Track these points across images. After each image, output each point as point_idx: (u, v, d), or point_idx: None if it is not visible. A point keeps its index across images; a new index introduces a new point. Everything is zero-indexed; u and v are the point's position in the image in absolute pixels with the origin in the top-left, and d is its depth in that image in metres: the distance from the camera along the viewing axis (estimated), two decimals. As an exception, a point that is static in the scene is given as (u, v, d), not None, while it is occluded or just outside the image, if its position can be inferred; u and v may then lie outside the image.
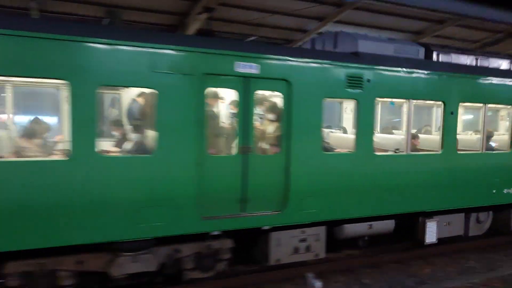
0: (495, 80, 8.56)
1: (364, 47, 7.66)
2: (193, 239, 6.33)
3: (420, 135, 8.88)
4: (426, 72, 7.74)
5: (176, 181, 5.89)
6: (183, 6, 11.30)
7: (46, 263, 5.53)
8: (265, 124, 7.13)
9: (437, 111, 9.65)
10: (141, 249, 5.94)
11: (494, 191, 8.84)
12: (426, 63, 8.13)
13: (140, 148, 6.10)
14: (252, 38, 13.01)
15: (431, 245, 9.00)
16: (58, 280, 5.63)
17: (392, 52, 7.90)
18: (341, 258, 8.32)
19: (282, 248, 6.97)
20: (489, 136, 9.09)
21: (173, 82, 5.77)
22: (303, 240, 7.13)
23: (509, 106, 9.09)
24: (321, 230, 7.29)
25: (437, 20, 12.75)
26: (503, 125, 9.86)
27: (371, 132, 7.38)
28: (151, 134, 6.02)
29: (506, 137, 9.26)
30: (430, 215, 8.40)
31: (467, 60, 8.83)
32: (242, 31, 12.86)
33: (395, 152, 7.86)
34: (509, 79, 8.69)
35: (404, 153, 7.78)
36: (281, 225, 6.83)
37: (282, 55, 6.55)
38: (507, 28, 13.11)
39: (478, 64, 8.99)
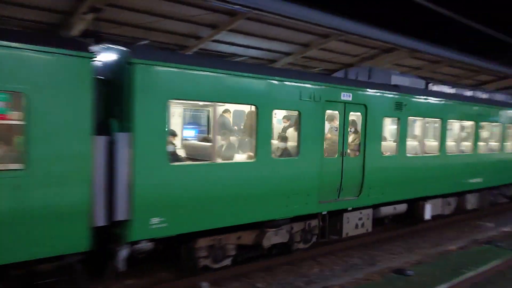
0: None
1: (395, 80, 10.69)
2: (298, 219, 8.70)
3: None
4: (434, 98, 11.32)
5: (309, 176, 8.44)
6: (66, 4, 10.47)
7: (221, 239, 7.60)
8: (352, 136, 9.63)
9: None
10: (279, 226, 8.29)
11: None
12: (433, 93, 11.57)
13: (287, 153, 8.49)
14: (144, 42, 12.58)
15: (320, 245, 9.53)
16: (227, 251, 7.79)
17: (408, 83, 11.04)
18: (235, 264, 8.36)
19: (350, 225, 9.61)
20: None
21: (310, 106, 8.34)
22: (360, 219, 9.83)
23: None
24: (370, 211, 10.08)
25: (322, 34, 13.65)
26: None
27: (405, 139, 10.54)
28: (293, 143, 8.47)
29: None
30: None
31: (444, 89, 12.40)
32: (133, 35, 12.37)
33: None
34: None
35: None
36: (357, 207, 9.65)
37: (363, 87, 9.46)
38: (382, 45, 14.53)
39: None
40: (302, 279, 8.16)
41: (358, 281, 8.04)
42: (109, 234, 6.35)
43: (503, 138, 14.05)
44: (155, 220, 6.45)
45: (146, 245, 6.60)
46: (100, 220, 6.04)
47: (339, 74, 11.73)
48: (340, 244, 9.98)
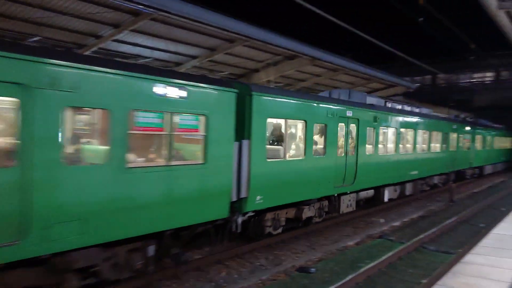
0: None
1: (369, 100, 14.42)
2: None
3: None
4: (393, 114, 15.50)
5: (330, 168, 11.76)
6: None
7: (278, 213, 10.37)
8: (350, 140, 12.80)
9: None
10: (309, 204, 11.29)
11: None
12: (391, 109, 15.76)
13: (318, 153, 11.51)
14: (35, 38, 11.57)
15: (227, 248, 9.56)
16: (280, 222, 10.59)
17: (375, 102, 14.70)
18: (139, 275, 8.03)
19: (344, 205, 12.86)
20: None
21: (332, 120, 11.66)
22: (349, 201, 13.11)
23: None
24: (354, 195, 13.44)
25: (228, 39, 13.80)
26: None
27: (378, 143, 14.24)
28: (321, 146, 11.63)
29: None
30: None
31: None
32: (23, 30, 11.32)
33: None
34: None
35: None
36: (350, 191, 12.96)
37: (358, 107, 12.99)
38: (285, 52, 15.11)
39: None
40: (211, 284, 8.11)
41: (264, 282, 8.23)
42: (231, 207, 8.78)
43: (429, 142, 18.70)
44: (258, 197, 9.34)
45: (245, 217, 9.44)
46: (234, 197, 8.76)
47: (324, 94, 14.48)
48: (247, 246, 10.12)
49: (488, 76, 45.83)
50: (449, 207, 17.21)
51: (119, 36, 12.40)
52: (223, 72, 16.94)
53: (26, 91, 5.34)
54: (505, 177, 30.79)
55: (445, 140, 20.41)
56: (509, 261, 5.95)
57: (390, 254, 9.74)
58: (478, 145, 25.66)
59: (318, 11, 11.22)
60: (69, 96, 5.77)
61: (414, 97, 34.82)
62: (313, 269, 8.87)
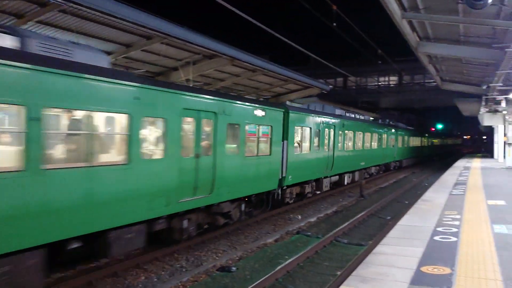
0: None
1: (337, 111, 19.46)
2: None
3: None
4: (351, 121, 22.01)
5: (323, 159, 17.38)
6: None
7: (292, 188, 15.36)
8: (331, 140, 18.60)
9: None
10: (308, 184, 16.55)
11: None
12: (351, 118, 22.67)
13: (317, 148, 16.88)
14: None
15: (144, 252, 9.24)
16: (293, 195, 15.77)
17: (341, 113, 20.97)
18: (53, 283, 7.46)
19: (325, 185, 17.78)
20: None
21: (323, 127, 17.50)
22: (327, 183, 18.17)
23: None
24: (329, 179, 18.60)
25: (146, 36, 13.31)
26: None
27: (344, 142, 20.26)
28: (317, 144, 17.13)
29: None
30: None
31: None
32: None
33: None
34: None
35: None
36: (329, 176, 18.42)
37: (335, 117, 19.00)
38: (205, 51, 14.95)
39: None
40: (128, 290, 7.78)
41: (185, 284, 8.09)
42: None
43: (371, 141, 25.10)
44: (290, 177, 14.25)
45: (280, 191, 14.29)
46: (280, 176, 13.81)
47: (304, 106, 17.43)
48: (166, 249, 9.87)
49: (393, 80, 49.71)
50: (360, 202, 18.34)
51: (24, 28, 11.36)
52: (139, 70, 16.31)
53: (216, 116, 10.16)
54: (406, 173, 33.58)
55: (380, 140, 27.33)
56: (413, 249, 6.48)
57: (307, 249, 10.12)
58: (399, 143, 33.51)
59: (237, 11, 11.27)
60: (228, 117, 10.72)
61: (327, 99, 36.58)
62: (234, 268, 8.91)
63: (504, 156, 25.10)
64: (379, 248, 6.73)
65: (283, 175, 13.88)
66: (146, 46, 13.80)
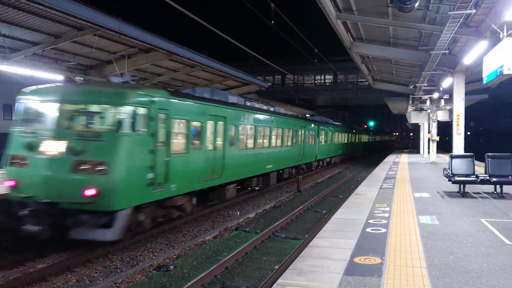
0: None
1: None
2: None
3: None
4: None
5: (314, 150, 27.75)
6: None
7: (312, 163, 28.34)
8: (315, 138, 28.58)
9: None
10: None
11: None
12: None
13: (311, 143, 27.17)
14: None
15: (76, 254, 8.79)
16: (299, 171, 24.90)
17: (319, 120, 31.35)
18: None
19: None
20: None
21: (315, 129, 27.69)
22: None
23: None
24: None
25: (76, 27, 12.65)
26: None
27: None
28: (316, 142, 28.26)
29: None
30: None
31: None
32: None
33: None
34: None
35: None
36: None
37: (316, 121, 29.35)
38: (140, 45, 14.51)
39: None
40: (57, 294, 7.36)
41: (119, 285, 7.81)
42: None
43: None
44: (318, 156, 28.72)
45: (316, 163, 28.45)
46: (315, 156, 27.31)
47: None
48: (100, 250, 9.47)
49: (328, 78, 51.42)
50: (297, 196, 18.78)
51: None
52: (70, 62, 15.49)
53: (226, 120, 13.54)
54: (341, 168, 34.92)
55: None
56: (347, 241, 6.73)
57: (246, 244, 10.17)
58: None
59: (175, 5, 11.03)
60: (238, 121, 14.52)
61: (266, 95, 37.07)
62: (171, 267, 8.74)
63: (429, 152, 26.91)
64: (315, 241, 6.92)
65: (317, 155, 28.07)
66: (77, 37, 13.13)
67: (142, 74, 18.64)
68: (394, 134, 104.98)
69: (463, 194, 11.34)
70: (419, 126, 37.69)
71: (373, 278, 5.06)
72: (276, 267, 8.82)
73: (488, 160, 11.12)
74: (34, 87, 9.61)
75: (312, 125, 26.88)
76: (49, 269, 8.21)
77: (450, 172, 11.44)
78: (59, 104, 9.00)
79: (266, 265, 9.18)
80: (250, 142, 15.89)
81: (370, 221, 8.25)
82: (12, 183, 8.83)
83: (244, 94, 25.86)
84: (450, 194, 11.54)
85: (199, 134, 12.07)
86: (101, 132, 8.91)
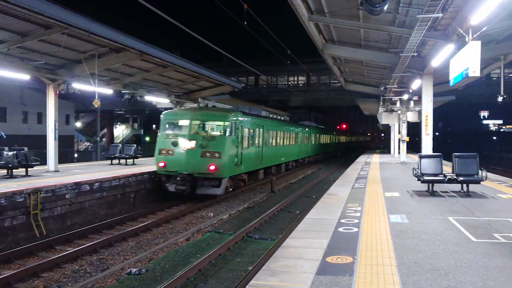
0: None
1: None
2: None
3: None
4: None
5: (306, 149, 35.05)
6: None
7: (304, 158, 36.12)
8: (305, 140, 35.66)
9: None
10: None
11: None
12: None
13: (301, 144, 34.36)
14: None
15: (43, 258, 8.52)
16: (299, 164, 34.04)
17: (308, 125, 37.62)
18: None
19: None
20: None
21: (306, 132, 35.35)
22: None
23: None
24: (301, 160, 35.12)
25: (44, 25, 12.27)
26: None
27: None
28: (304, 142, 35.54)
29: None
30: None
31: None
32: None
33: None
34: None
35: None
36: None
37: (307, 125, 37.12)
38: (111, 44, 14.21)
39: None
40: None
41: (90, 290, 7.63)
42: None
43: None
44: (310, 152, 37.70)
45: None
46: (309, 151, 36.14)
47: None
48: (67, 255, 9.23)
49: (301, 79, 51.84)
50: (271, 197, 18.83)
51: None
52: (37, 61, 15.01)
53: (263, 127, 21.30)
54: (314, 169, 35.27)
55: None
56: (319, 241, 6.78)
57: (219, 246, 10.12)
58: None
59: (147, 5, 10.85)
60: (268, 128, 22.27)
61: (239, 96, 37.04)
62: (143, 270, 8.60)
63: (399, 152, 27.49)
64: (288, 242, 6.94)
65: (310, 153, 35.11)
66: (45, 36, 12.74)
67: (113, 74, 18.28)
68: (369, 134, 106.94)
69: (432, 193, 11.63)
70: (390, 126, 38.48)
71: (345, 277, 5.11)
72: (250, 268, 8.82)
73: (455, 160, 11.44)
74: (171, 110, 19.54)
75: (306, 129, 34.78)
76: (17, 274, 7.94)
77: (419, 171, 11.71)
78: (190, 120, 16.75)
79: (240, 267, 9.16)
80: (273, 142, 23.80)
81: (342, 220, 8.35)
82: (162, 164, 16.23)
83: (217, 95, 25.75)
84: (419, 193, 11.81)
85: (252, 137, 19.75)
86: (215, 136, 16.74)
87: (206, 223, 13.27)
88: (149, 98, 22.31)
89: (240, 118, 17.63)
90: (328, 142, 49.53)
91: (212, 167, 15.62)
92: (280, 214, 15.09)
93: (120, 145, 21.42)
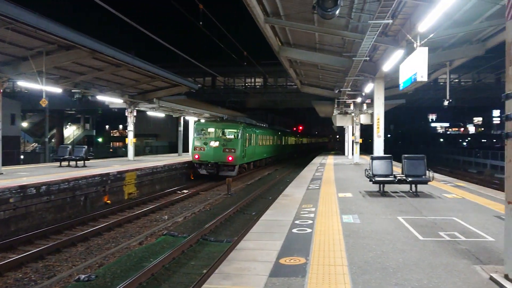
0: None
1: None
2: None
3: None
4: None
5: (274, 149, 42.15)
6: None
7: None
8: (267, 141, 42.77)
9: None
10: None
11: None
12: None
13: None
14: None
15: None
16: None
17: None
18: None
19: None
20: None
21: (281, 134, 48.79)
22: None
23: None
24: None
25: (-15, 19, 11.58)
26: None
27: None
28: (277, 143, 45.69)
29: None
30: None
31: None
32: None
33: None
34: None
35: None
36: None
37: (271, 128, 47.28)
38: (60, 41, 13.63)
39: None
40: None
41: (34, 299, 7.25)
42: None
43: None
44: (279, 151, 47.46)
45: None
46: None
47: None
48: (10, 262, 8.74)
49: (258, 81, 52.12)
50: (227, 199, 18.76)
51: None
52: (-21, 57, 14.15)
53: (256, 133, 32.23)
54: (271, 170, 35.54)
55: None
56: (273, 243, 6.80)
57: (173, 249, 9.93)
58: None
59: (102, 4, 10.48)
60: (257, 133, 32.47)
61: (196, 97, 36.68)
62: (93, 276, 8.28)
63: (353, 153, 28.23)
64: (242, 244, 6.90)
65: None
66: (-13, 31, 12.03)
67: (63, 73, 17.55)
68: (325, 136, 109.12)
69: (383, 194, 12.00)
70: (344, 129, 39.46)
71: (298, 278, 5.14)
72: (204, 271, 8.71)
73: (404, 161, 11.86)
74: (202, 122, 29.94)
75: (279, 133, 43.86)
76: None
77: (371, 172, 12.05)
78: (215, 128, 26.49)
79: (194, 270, 9.03)
80: (260, 142, 32.47)
81: (297, 221, 8.42)
82: (197, 156, 25.28)
83: (173, 96, 25.36)
84: (371, 194, 12.15)
85: (250, 139, 28.54)
86: (232, 138, 25.82)
87: (160, 226, 13.01)
88: (102, 98, 21.61)
89: (245, 127, 27.47)
90: (292, 143, 55.72)
91: (230, 158, 25.00)
92: (236, 216, 15.05)
93: (70, 146, 20.58)
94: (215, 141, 25.42)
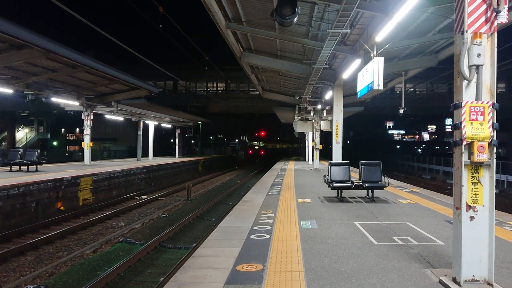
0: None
1: None
2: None
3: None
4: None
5: None
6: None
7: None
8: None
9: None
10: None
11: None
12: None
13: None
14: None
15: None
16: None
17: None
18: None
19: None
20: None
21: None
22: None
23: None
24: None
25: None
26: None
27: None
28: None
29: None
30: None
31: None
32: None
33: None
34: None
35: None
36: None
37: None
38: (11, 40, 13.04)
39: None
40: None
41: (-24, 313, 6.82)
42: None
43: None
44: None
45: None
46: None
47: None
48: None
49: (221, 86, 51.99)
50: (187, 204, 18.50)
51: None
52: None
53: None
54: (232, 175, 35.44)
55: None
56: (231, 249, 6.74)
57: (129, 257, 9.65)
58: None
59: (60, 4, 10.10)
60: None
61: (157, 101, 36.08)
62: (42, 286, 7.90)
63: (313, 159, 28.63)
64: (199, 251, 6.80)
65: None
66: None
67: (14, 73, 16.78)
68: (287, 142, 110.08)
69: (341, 199, 12.22)
70: (305, 135, 40.01)
71: (254, 285, 5.11)
72: (161, 279, 8.51)
73: (361, 167, 12.14)
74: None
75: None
76: None
77: (329, 178, 12.24)
78: None
79: (151, 278, 8.81)
80: None
81: (255, 227, 8.40)
82: None
83: (133, 99, 24.81)
84: (329, 199, 12.33)
85: None
86: None
87: (117, 233, 12.63)
88: (57, 100, 20.83)
89: None
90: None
91: None
92: (196, 222, 14.86)
93: (22, 149, 19.66)
94: None
